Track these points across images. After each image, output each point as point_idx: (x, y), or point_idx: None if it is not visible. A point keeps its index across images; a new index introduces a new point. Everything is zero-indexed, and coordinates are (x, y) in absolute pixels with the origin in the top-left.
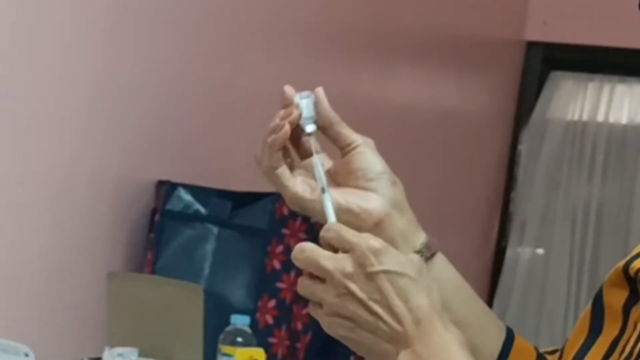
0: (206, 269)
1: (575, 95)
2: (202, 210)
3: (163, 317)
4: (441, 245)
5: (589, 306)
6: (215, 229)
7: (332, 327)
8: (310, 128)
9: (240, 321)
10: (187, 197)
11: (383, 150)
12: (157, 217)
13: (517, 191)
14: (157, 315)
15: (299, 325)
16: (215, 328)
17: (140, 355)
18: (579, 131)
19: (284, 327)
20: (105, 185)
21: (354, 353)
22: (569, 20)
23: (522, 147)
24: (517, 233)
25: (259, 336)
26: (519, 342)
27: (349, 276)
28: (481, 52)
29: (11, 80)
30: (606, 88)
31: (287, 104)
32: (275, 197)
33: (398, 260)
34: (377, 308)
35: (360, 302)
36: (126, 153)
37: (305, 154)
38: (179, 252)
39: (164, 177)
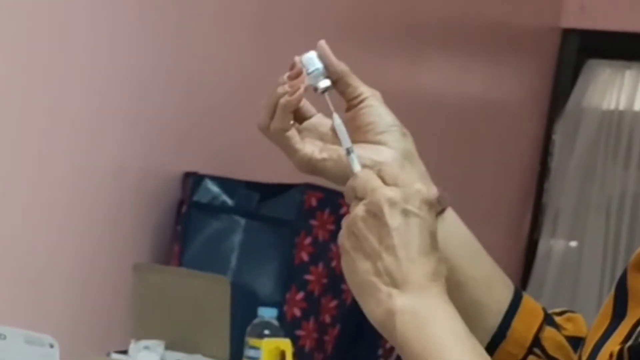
0: (233, 261)
1: (612, 84)
2: (230, 201)
3: (190, 310)
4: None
5: (612, 291)
6: (242, 221)
7: (345, 238)
8: (324, 83)
9: (267, 313)
10: (215, 188)
11: (414, 139)
12: (184, 209)
13: (551, 182)
14: (183, 307)
15: (327, 318)
16: (242, 320)
17: (167, 347)
18: (615, 120)
19: (312, 320)
20: (132, 177)
21: (382, 345)
22: (606, 6)
23: (557, 137)
24: (550, 225)
25: (287, 328)
26: (527, 301)
27: (390, 201)
28: (516, 39)
29: (35, 74)
30: None
31: (292, 66)
32: (303, 188)
33: (435, 220)
34: (397, 240)
35: (385, 226)
36: (153, 145)
37: (303, 117)
38: (206, 244)
39: (191, 169)
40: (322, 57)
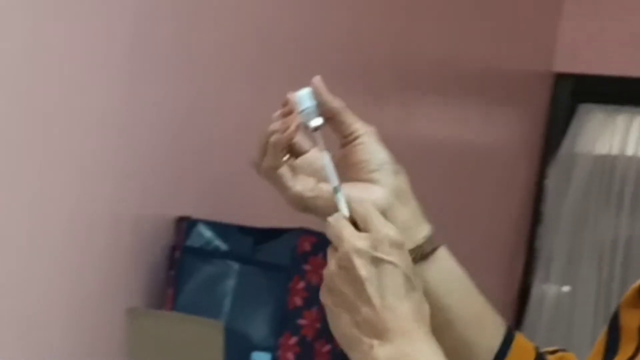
0: (227, 306)
1: (604, 129)
2: (223, 246)
3: (183, 354)
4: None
5: (605, 329)
6: (236, 265)
7: (324, 294)
8: (315, 122)
9: (260, 358)
10: (208, 233)
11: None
12: (177, 254)
13: (543, 227)
14: (177, 352)
15: None
16: None
17: None
18: (608, 165)
19: None
20: (125, 222)
21: None
22: (598, 50)
23: (549, 182)
24: (543, 270)
25: None
26: (519, 340)
27: (358, 251)
28: (508, 84)
29: (28, 119)
30: (636, 120)
31: (285, 103)
32: (297, 233)
33: (408, 261)
34: (370, 290)
35: (357, 278)
36: (145, 190)
37: (298, 152)
38: (200, 288)
39: (184, 213)
40: (316, 94)
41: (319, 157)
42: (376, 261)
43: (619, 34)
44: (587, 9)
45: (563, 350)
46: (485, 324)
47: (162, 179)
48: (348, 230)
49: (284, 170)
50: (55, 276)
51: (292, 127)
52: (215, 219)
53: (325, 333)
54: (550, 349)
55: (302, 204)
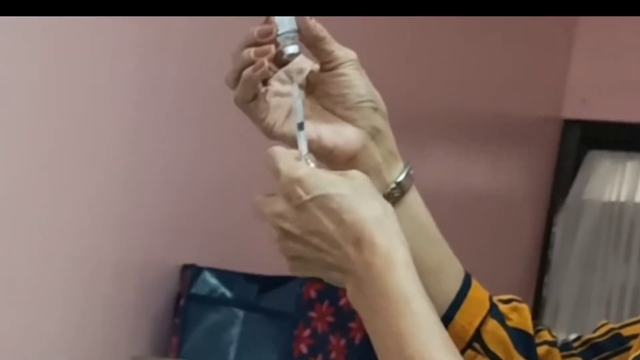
0: (232, 354)
1: (613, 175)
2: (228, 294)
3: None
4: None
5: None
6: (241, 313)
7: (293, 270)
8: (291, 49)
9: None
10: (213, 280)
11: None
12: (182, 302)
13: (551, 274)
14: None
15: None
16: None
17: None
18: (616, 212)
19: None
20: (130, 270)
21: None
22: (607, 97)
23: (557, 229)
24: (551, 318)
25: None
26: (474, 291)
27: (280, 216)
28: (517, 130)
29: (33, 166)
30: None
31: (266, 20)
32: (302, 280)
33: (326, 181)
34: (315, 240)
35: (298, 239)
36: (150, 237)
37: (282, 63)
38: (205, 336)
39: (189, 261)
40: (298, 19)
41: (306, 68)
42: (299, 209)
43: (627, 80)
44: (595, 56)
45: (517, 300)
46: (444, 275)
47: (167, 226)
48: (265, 207)
49: (255, 104)
50: (59, 324)
51: (266, 64)
52: (221, 267)
53: None
54: (505, 297)
55: (273, 136)
